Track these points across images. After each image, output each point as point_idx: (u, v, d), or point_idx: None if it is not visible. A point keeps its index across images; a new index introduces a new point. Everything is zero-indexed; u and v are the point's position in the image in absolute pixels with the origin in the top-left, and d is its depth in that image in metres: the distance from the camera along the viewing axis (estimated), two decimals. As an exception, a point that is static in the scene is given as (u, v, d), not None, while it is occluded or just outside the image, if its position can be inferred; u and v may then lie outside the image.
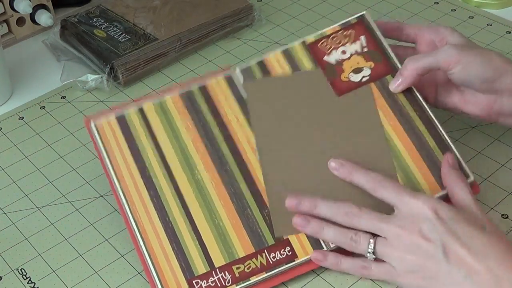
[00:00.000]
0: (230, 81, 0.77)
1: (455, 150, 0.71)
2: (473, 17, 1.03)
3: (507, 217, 0.72)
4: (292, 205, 0.67)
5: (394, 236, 0.63)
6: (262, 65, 0.77)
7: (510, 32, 0.99)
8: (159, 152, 0.73)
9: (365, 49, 0.76)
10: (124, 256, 0.71)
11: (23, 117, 0.90)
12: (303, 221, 0.67)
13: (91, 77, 0.94)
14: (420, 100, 0.73)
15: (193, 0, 1.02)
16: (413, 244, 0.62)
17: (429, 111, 0.73)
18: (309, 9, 1.07)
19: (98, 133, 0.74)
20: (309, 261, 0.67)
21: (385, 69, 0.75)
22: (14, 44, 1.04)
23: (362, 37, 0.77)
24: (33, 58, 1.01)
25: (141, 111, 0.75)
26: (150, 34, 0.96)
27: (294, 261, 0.67)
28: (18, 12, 1.00)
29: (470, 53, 0.72)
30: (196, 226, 0.69)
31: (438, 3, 1.06)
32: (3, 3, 0.99)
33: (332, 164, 0.69)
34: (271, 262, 0.67)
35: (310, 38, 0.78)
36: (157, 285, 0.66)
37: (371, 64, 0.75)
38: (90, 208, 0.77)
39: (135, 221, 0.69)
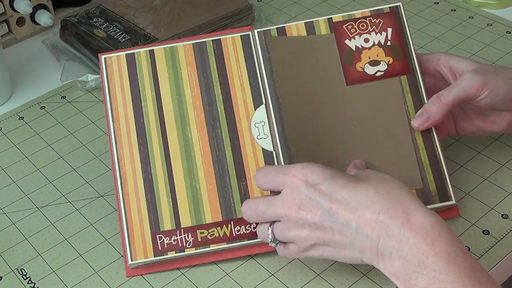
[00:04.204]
0: (245, 41, 0.75)
1: (444, 165, 0.71)
2: (473, 17, 1.02)
3: (507, 217, 0.73)
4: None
5: (282, 217, 0.62)
6: (281, 30, 0.75)
7: (510, 32, 0.99)
8: (157, 100, 0.73)
9: (389, 43, 0.74)
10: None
11: (23, 117, 0.90)
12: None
13: (91, 77, 0.94)
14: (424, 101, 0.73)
15: (193, 0, 1.02)
16: (300, 219, 0.61)
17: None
18: (309, 9, 1.07)
19: (106, 67, 0.74)
20: None
21: (402, 68, 0.74)
22: (14, 44, 1.04)
23: (390, 29, 0.75)
24: (33, 58, 1.01)
25: (151, 53, 0.75)
26: (150, 34, 0.96)
27: (256, 238, 0.68)
28: (18, 12, 1.00)
29: (492, 74, 0.70)
30: (173, 183, 0.70)
31: (438, 3, 1.06)
32: (3, 3, 0.99)
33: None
34: (234, 235, 0.69)
35: (338, 17, 0.76)
36: (123, 229, 0.68)
37: (390, 59, 0.74)
38: (90, 208, 0.77)
39: (119, 165, 0.71)
